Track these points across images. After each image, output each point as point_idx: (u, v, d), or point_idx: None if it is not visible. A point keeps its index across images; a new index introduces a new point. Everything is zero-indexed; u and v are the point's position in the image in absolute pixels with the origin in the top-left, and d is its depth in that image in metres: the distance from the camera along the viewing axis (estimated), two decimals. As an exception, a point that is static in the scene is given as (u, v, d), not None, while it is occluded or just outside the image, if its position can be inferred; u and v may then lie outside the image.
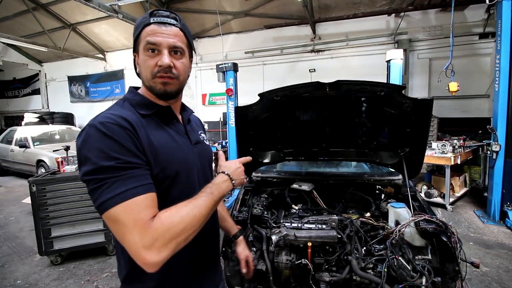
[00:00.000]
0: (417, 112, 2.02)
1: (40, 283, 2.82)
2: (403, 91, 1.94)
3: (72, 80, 12.76)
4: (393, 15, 7.50)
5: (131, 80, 11.51)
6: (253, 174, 2.92)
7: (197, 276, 1.01)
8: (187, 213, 0.76)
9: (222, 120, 9.55)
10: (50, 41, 9.85)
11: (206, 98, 10.50)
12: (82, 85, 12.57)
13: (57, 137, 7.91)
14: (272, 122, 2.45)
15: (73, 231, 3.09)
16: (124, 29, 9.72)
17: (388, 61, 4.95)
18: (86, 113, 12.52)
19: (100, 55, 11.77)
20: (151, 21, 0.87)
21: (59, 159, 3.40)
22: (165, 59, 0.87)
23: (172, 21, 0.90)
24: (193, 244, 0.81)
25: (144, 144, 0.81)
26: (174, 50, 0.89)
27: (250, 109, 2.26)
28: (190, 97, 10.79)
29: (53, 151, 6.00)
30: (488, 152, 4.41)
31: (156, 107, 0.94)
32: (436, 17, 7.29)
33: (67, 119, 11.87)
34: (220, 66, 5.66)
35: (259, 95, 2.15)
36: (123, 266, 0.90)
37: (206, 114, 10.44)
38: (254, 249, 2.06)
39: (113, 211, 0.70)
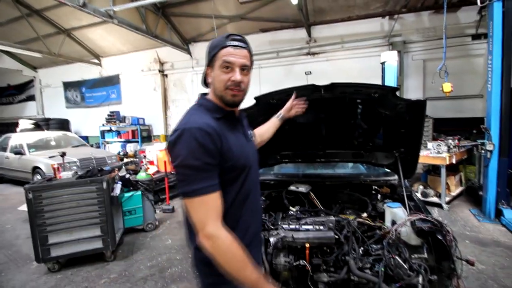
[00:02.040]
0: (411, 113, 2.05)
1: (38, 291, 2.80)
2: (396, 93, 1.98)
3: (67, 85, 12.71)
4: (387, 17, 7.60)
5: (127, 85, 11.51)
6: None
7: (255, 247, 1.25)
8: (233, 260, 0.97)
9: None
10: (44, 47, 9.82)
11: (202, 101, 10.52)
12: (77, 91, 12.52)
13: (53, 143, 7.86)
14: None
15: (71, 238, 3.07)
16: (120, 34, 9.73)
17: (383, 63, 5.01)
18: (81, 118, 12.47)
19: (96, 60, 11.75)
20: (227, 44, 1.09)
21: (55, 166, 3.39)
22: (237, 76, 1.09)
23: (243, 44, 1.13)
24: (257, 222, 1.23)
25: (223, 144, 1.03)
26: (242, 68, 1.11)
27: (246, 113, 2.28)
28: (186, 101, 10.80)
29: (49, 157, 5.96)
30: (483, 151, 4.46)
31: (225, 112, 1.15)
32: (429, 19, 7.39)
33: (63, 125, 11.81)
34: (216, 70, 5.71)
35: (255, 98, 2.18)
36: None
37: (203, 117, 10.45)
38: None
39: (191, 201, 0.98)
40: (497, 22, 4.03)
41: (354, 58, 8.07)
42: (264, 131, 1.80)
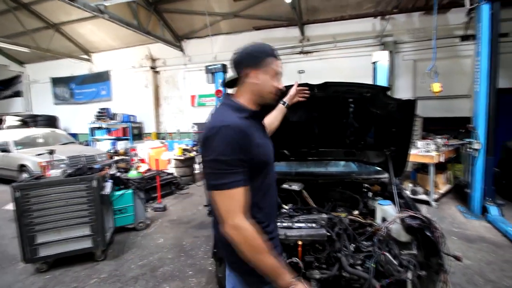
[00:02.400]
0: (402, 112, 2.09)
1: (25, 292, 2.74)
2: (388, 92, 2.00)
3: (56, 81, 12.41)
4: (379, 17, 7.68)
5: (118, 81, 11.32)
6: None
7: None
8: (256, 249, 1.06)
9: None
10: (32, 42, 9.56)
11: (195, 99, 10.42)
12: (66, 87, 12.24)
13: (40, 140, 7.67)
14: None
15: (59, 237, 3.01)
16: (111, 30, 9.55)
17: (375, 63, 5.07)
18: (70, 115, 12.20)
19: (85, 56, 11.51)
20: (277, 56, 1.28)
21: (43, 163, 3.31)
22: (282, 85, 1.31)
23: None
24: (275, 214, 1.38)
25: (252, 142, 1.11)
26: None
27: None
28: (178, 98, 10.70)
29: (37, 155, 5.81)
30: (470, 150, 4.57)
31: (252, 112, 1.22)
32: (420, 20, 7.51)
33: (51, 122, 11.53)
34: (209, 67, 5.67)
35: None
36: None
37: (195, 115, 10.36)
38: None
39: (220, 193, 1.06)
40: (485, 24, 4.13)
41: (346, 57, 8.14)
42: (273, 119, 1.81)
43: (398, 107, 2.07)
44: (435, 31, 4.81)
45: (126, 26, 7.43)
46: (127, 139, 10.38)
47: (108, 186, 3.44)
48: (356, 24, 7.86)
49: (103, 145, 10.45)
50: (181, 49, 10.16)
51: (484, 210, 4.39)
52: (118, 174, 4.28)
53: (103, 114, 10.80)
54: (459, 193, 5.49)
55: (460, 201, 5.13)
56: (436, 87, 4.69)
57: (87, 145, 10.21)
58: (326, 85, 1.98)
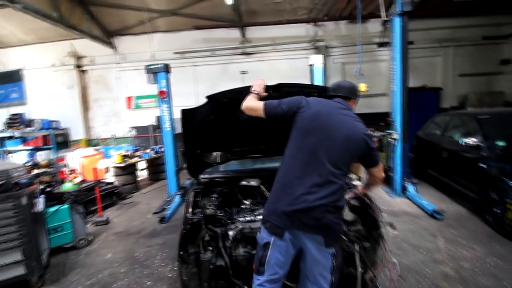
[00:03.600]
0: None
1: None
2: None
3: None
4: (312, 24, 8.42)
5: (35, 82, 9.73)
6: (201, 176, 2.93)
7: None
8: None
9: (155, 124, 8.83)
10: None
11: (131, 101, 9.70)
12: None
13: None
14: (219, 123, 2.52)
15: (-20, 268, 2.51)
16: (23, 22, 8.09)
17: (311, 65, 5.56)
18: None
19: (-13, 52, 9.57)
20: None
21: None
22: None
23: None
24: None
25: None
26: None
27: (197, 111, 2.28)
28: (112, 101, 9.80)
29: None
30: (390, 140, 5.40)
31: None
32: (346, 28, 8.50)
33: None
34: (150, 67, 5.35)
35: (207, 97, 2.20)
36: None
37: (133, 118, 9.65)
38: (211, 248, 2.10)
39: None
40: (397, 34, 4.92)
41: (285, 59, 8.69)
42: None
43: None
44: (360, 38, 5.53)
45: (44, 18, 6.46)
46: (49, 149, 9.00)
47: (41, 202, 3.00)
48: (293, 29, 8.46)
49: (18, 157, 8.84)
50: (113, 46, 9.32)
51: (404, 189, 5.26)
52: (49, 188, 3.74)
53: (16, 121, 9.13)
54: (385, 177, 6.43)
55: (386, 184, 6.02)
56: (363, 87, 5.38)
57: (-3, 158, 8.52)
58: (280, 86, 2.14)
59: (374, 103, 8.72)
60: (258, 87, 1.93)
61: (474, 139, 4.07)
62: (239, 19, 7.91)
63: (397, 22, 4.81)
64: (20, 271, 2.67)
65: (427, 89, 8.48)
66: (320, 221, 1.54)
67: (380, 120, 7.66)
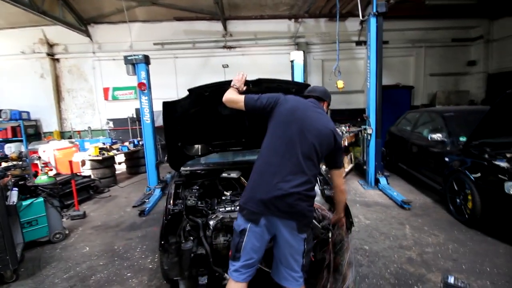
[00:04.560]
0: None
1: None
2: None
3: None
4: (293, 20, 8.52)
5: (2, 70, 9.10)
6: (182, 168, 2.97)
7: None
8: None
9: (134, 116, 8.58)
10: None
11: (109, 92, 9.37)
12: None
13: None
14: (200, 116, 2.56)
15: None
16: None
17: (292, 61, 5.67)
18: None
19: None
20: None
21: None
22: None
23: None
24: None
25: None
26: None
27: (178, 104, 2.31)
28: (87, 92, 9.42)
29: None
30: (365, 134, 5.68)
31: None
32: (325, 25, 8.69)
33: None
34: (129, 58, 5.22)
35: (188, 90, 2.24)
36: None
37: (110, 110, 9.35)
38: (192, 238, 2.17)
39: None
40: (373, 33, 5.15)
41: (266, 55, 8.75)
42: None
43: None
44: (338, 36, 5.71)
45: (13, 2, 6.06)
46: (20, 141, 8.53)
47: (14, 195, 2.90)
48: (274, 24, 8.52)
49: (-16, 150, 8.32)
50: (88, 35, 8.92)
51: (377, 182, 5.57)
52: (22, 181, 3.61)
53: (-19, 111, 8.54)
54: (359, 170, 6.75)
55: (360, 177, 6.33)
56: (340, 84, 5.60)
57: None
58: (260, 81, 2.22)
59: (351, 99, 9.06)
60: (238, 82, 2.01)
61: (439, 135, 4.39)
62: (221, 12, 7.85)
63: (372, 22, 5.03)
64: (-8, 265, 2.60)
65: (400, 87, 8.93)
66: (294, 208, 1.63)
67: (358, 116, 8.00)
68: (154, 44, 8.72)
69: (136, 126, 8.76)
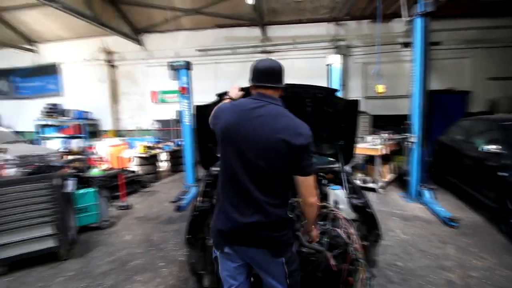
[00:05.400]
0: (348, 110, 2.47)
1: (-17, 297, 2.61)
2: (336, 93, 2.36)
3: (-8, 73, 11.07)
4: (333, 23, 8.33)
5: (70, 75, 10.50)
6: (212, 168, 3.12)
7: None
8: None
9: (176, 118, 9.24)
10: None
11: (156, 95, 10.17)
12: (6, 80, 10.99)
13: (-21, 139, 6.85)
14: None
15: (20, 238, 2.88)
16: (59, 19, 8.80)
17: (329, 65, 5.56)
18: (13, 111, 11.00)
19: (28, 46, 10.45)
20: None
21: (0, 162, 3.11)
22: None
23: None
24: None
25: None
26: None
27: (209, 108, 2.45)
28: (138, 95, 10.33)
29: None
30: (407, 143, 5.30)
31: None
32: (368, 27, 8.32)
33: (-11, 118, 10.32)
34: (172, 64, 5.63)
35: (217, 95, 2.36)
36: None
37: (157, 112, 10.12)
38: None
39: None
40: (418, 34, 4.81)
41: (305, 59, 8.68)
42: None
43: (345, 106, 2.45)
44: (379, 38, 5.45)
45: (79, 16, 6.98)
46: (81, 137, 9.72)
47: (71, 184, 3.35)
48: (313, 28, 8.43)
49: (53, 144, 9.64)
50: (140, 43, 9.81)
51: (420, 194, 5.15)
52: (79, 173, 4.13)
53: (52, 110, 9.95)
54: (401, 181, 6.30)
55: (401, 188, 5.92)
56: (380, 88, 5.33)
57: (34, 144, 9.34)
58: (286, 86, 2.25)
59: (396, 104, 8.48)
60: (231, 92, 1.89)
61: (494, 146, 3.92)
62: (260, 18, 8.03)
63: (418, 22, 4.71)
64: (51, 243, 3.04)
65: (454, 92, 8.12)
66: (257, 237, 1.44)
67: (403, 123, 7.48)
68: (197, 50, 9.24)
69: (178, 127, 9.35)
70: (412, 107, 5.11)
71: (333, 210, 2.33)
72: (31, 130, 10.21)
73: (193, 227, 2.24)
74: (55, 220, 3.02)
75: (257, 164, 1.40)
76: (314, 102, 2.54)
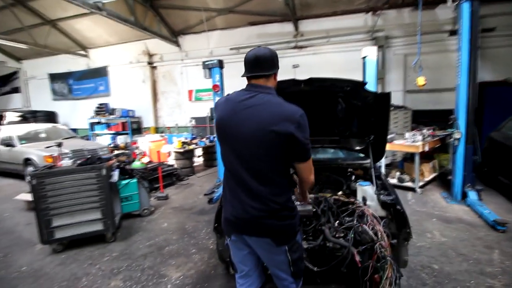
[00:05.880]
0: (379, 103, 2.38)
1: (46, 268, 3.02)
2: (365, 86, 2.29)
3: (53, 77, 12.54)
4: (371, 13, 7.92)
5: (116, 77, 11.47)
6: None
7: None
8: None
9: (209, 115, 9.69)
10: (29, 38, 9.66)
11: (192, 94, 10.64)
12: (64, 83, 12.38)
13: (43, 135, 7.86)
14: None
15: (73, 221, 3.29)
16: (107, 26, 9.67)
17: (364, 58, 5.32)
18: (69, 111, 12.37)
19: (82, 52, 11.63)
20: None
21: (55, 155, 3.57)
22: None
23: None
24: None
25: None
26: None
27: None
28: (176, 94, 10.90)
29: (46, 147, 6.02)
30: (452, 139, 4.89)
31: None
32: (409, 16, 7.76)
33: (50, 117, 11.72)
34: (206, 63, 5.86)
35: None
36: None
37: (193, 110, 10.59)
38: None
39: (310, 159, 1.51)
40: (465, 21, 4.39)
41: (339, 52, 8.39)
42: None
43: (375, 99, 2.36)
44: (419, 27, 5.08)
45: (123, 22, 7.59)
46: (126, 134, 10.61)
47: (116, 174, 3.72)
48: (348, 20, 8.10)
49: (103, 140, 10.67)
50: (178, 45, 10.32)
51: (465, 195, 4.73)
52: (122, 165, 4.54)
53: (102, 109, 10.99)
54: (444, 180, 5.84)
55: (444, 188, 5.48)
56: (421, 81, 4.97)
57: (88, 139, 10.43)
58: (311, 80, 2.25)
59: (442, 98, 7.80)
60: None
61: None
62: (292, 13, 7.94)
63: (465, 7, 4.30)
64: (99, 226, 3.42)
65: (509, 84, 7.23)
66: (260, 227, 1.48)
67: (448, 118, 6.88)
68: (230, 49, 9.46)
69: (212, 124, 9.71)
70: (457, 101, 4.70)
71: (360, 206, 2.29)
72: (85, 128, 11.39)
73: (220, 217, 2.36)
74: (103, 206, 3.38)
75: (251, 156, 1.43)
76: (341, 96, 2.50)
